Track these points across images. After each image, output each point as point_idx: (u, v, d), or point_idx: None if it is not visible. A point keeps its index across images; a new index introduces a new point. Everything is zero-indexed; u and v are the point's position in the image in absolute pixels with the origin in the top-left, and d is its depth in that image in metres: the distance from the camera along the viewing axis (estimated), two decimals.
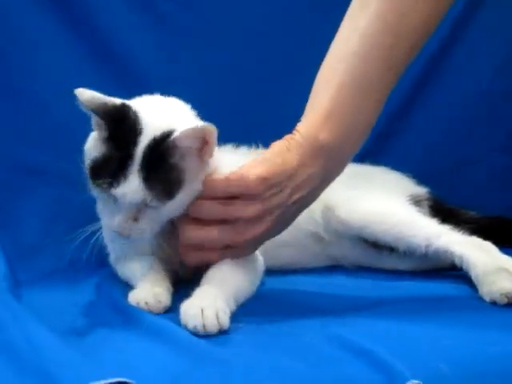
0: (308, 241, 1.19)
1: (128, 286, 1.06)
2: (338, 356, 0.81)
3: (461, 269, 1.10)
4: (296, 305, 1.01)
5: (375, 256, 1.20)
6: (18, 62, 1.31)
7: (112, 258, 1.14)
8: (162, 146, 0.95)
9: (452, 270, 1.14)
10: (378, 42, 0.98)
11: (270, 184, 0.96)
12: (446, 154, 1.44)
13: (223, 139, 1.18)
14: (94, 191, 0.98)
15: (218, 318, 0.89)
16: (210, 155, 0.98)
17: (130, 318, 0.94)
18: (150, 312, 0.97)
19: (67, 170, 1.26)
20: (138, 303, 0.97)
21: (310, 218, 1.18)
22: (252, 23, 1.39)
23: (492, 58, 1.43)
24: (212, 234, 0.98)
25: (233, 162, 1.06)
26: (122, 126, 0.96)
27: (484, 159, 1.45)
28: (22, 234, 1.24)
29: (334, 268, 1.21)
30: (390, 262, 1.19)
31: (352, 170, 1.24)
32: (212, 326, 0.88)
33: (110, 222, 0.98)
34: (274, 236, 1.01)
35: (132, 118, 0.96)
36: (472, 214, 1.28)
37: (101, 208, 1.02)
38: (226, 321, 0.90)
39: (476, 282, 1.05)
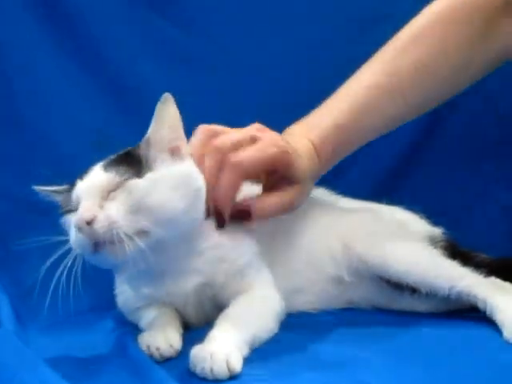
0: (327, 284, 1.14)
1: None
2: None
3: (483, 312, 1.05)
4: (315, 349, 0.95)
5: (395, 297, 1.14)
6: (25, 97, 1.28)
7: (120, 301, 1.09)
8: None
9: (471, 312, 1.09)
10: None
11: None
12: (455, 192, 1.42)
13: None
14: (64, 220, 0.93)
15: (228, 362, 0.84)
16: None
17: (140, 367, 0.89)
18: (162, 356, 0.92)
19: None
20: (148, 347, 0.92)
21: (330, 259, 1.14)
22: (260, 51, 1.37)
23: (500, 93, 1.41)
24: None
25: None
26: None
27: (492, 196, 1.42)
28: (23, 273, 1.19)
29: (350, 309, 1.15)
30: (409, 304, 1.14)
31: (369, 208, 1.24)
32: (221, 372, 0.83)
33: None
34: None
35: None
36: (483, 256, 1.24)
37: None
38: (237, 365, 0.85)
39: (501, 326, 1.01)
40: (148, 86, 1.31)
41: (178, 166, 0.94)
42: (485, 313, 1.05)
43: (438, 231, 1.23)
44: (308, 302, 1.13)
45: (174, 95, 1.29)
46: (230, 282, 1.01)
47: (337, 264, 1.14)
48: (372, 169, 1.41)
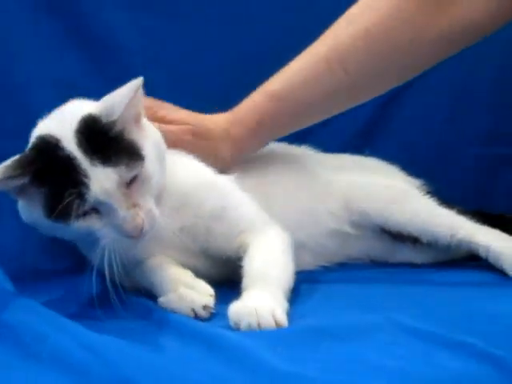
0: (326, 239, 1.11)
1: None
2: (424, 348, 0.73)
3: (485, 259, 1.06)
4: (342, 301, 0.93)
5: (394, 249, 1.14)
6: None
7: (108, 267, 1.00)
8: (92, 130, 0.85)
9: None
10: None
11: None
12: (427, 149, 1.41)
13: None
14: (75, 225, 0.84)
15: (274, 316, 0.80)
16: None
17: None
18: (208, 311, 0.88)
19: None
20: (193, 310, 0.87)
21: (330, 215, 1.11)
22: (242, 7, 1.31)
23: (472, 54, 1.40)
24: None
25: None
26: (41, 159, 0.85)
27: (465, 153, 1.41)
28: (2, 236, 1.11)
29: (351, 265, 1.13)
30: (408, 255, 1.13)
31: (358, 160, 1.22)
32: (268, 325, 0.80)
33: (116, 231, 0.85)
34: None
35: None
36: (459, 208, 1.24)
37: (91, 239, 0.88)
38: (283, 319, 0.81)
39: (508, 270, 1.02)
40: (115, 34, 1.24)
41: (150, 136, 0.91)
42: (486, 259, 1.06)
43: (418, 182, 1.22)
44: (309, 258, 1.10)
45: (141, 43, 1.25)
46: (211, 226, 0.97)
47: (337, 219, 1.11)
48: (348, 121, 1.36)
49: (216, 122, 1.07)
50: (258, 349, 0.72)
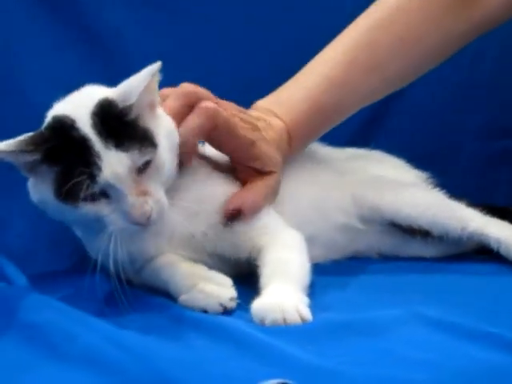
0: (335, 233, 1.10)
1: None
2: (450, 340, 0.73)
3: (496, 251, 1.06)
4: (360, 294, 0.93)
5: (404, 243, 1.13)
6: None
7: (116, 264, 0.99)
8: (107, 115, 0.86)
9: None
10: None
11: None
12: (429, 144, 1.41)
13: None
14: (84, 208, 0.85)
15: (299, 311, 0.81)
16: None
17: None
18: (235, 302, 0.88)
19: None
20: (221, 304, 0.86)
21: (339, 209, 1.10)
22: (245, 6, 1.31)
23: (472, 49, 1.37)
24: None
25: None
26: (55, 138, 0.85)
27: (462, 148, 1.43)
28: (9, 236, 1.11)
29: (363, 258, 1.13)
30: (418, 249, 1.12)
31: (366, 154, 1.22)
32: (294, 320, 0.80)
33: (124, 217, 0.85)
34: None
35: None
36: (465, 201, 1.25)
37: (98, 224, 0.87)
38: (308, 314, 0.82)
39: None
40: (116, 33, 1.23)
41: (164, 125, 0.91)
42: (497, 251, 1.06)
43: (425, 175, 1.22)
44: (319, 252, 1.08)
45: (143, 42, 1.24)
46: (225, 233, 0.97)
47: (346, 213, 1.10)
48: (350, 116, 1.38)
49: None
50: (285, 344, 0.72)
